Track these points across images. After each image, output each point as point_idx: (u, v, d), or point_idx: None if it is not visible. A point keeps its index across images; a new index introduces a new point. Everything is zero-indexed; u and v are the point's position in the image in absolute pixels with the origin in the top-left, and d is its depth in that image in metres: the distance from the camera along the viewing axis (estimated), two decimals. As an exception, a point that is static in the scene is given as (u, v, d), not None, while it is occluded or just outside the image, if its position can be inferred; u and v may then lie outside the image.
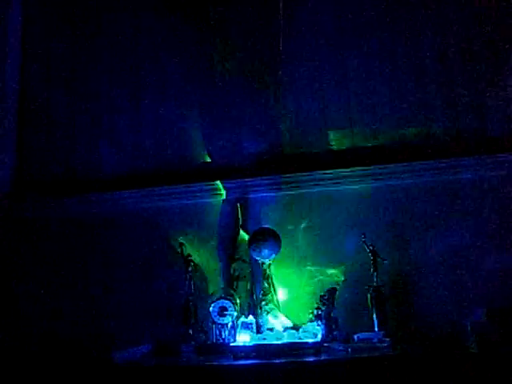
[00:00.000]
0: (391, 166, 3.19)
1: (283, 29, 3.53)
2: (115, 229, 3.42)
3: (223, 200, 3.35)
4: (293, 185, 3.27)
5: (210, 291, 3.16)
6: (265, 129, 3.44)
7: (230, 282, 3.17)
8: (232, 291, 3.08)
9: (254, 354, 2.63)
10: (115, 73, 3.69)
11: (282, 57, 3.49)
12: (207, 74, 3.57)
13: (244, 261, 3.18)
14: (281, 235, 3.07)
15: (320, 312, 2.88)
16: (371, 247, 2.97)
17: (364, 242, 2.99)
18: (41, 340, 3.26)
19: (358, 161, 3.24)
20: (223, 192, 3.34)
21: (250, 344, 2.69)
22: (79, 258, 3.40)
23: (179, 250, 3.17)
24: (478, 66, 3.29)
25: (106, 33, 3.75)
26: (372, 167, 3.20)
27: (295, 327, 2.87)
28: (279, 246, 3.06)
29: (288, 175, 3.28)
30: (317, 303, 2.92)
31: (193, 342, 2.95)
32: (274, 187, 3.29)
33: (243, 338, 2.77)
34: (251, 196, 3.32)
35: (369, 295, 2.92)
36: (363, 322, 2.92)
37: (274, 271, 3.11)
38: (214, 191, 3.35)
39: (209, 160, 3.47)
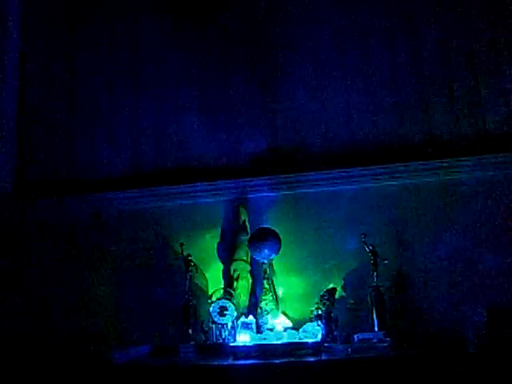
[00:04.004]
0: (391, 166, 3.19)
1: (283, 29, 3.53)
2: (115, 229, 3.42)
3: (223, 200, 3.35)
4: (293, 185, 3.27)
5: (210, 291, 3.15)
6: (264, 129, 3.44)
7: (230, 282, 3.16)
8: (232, 291, 3.08)
9: (254, 353, 2.63)
10: (114, 73, 3.69)
11: (282, 57, 3.50)
12: (207, 73, 3.57)
13: (244, 261, 3.18)
14: (281, 235, 3.07)
15: (320, 312, 2.88)
16: (371, 247, 2.97)
17: (364, 242, 2.99)
18: (40, 340, 3.26)
19: (357, 161, 3.24)
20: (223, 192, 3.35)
21: (250, 344, 2.69)
22: (79, 257, 3.40)
23: (179, 250, 3.17)
24: (478, 66, 3.29)
25: (105, 33, 3.75)
26: (372, 167, 3.20)
27: (295, 327, 2.88)
28: (279, 246, 3.05)
29: (288, 175, 3.28)
30: (317, 303, 2.92)
31: (193, 342, 2.95)
32: (274, 187, 3.29)
33: (243, 338, 2.77)
34: (251, 196, 3.32)
35: (369, 295, 2.92)
36: (363, 321, 2.93)
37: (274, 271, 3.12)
38: (214, 191, 3.35)
39: (209, 160, 3.47)
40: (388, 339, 2.71)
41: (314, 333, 2.75)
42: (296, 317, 3.06)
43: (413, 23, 3.40)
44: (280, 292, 3.12)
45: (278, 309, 3.01)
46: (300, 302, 3.12)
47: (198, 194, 3.36)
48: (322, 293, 2.94)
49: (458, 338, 2.70)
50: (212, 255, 3.28)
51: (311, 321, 2.88)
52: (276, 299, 3.04)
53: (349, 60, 3.44)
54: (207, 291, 3.18)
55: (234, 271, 3.16)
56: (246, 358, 2.61)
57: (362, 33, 3.45)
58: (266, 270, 3.06)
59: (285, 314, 3.05)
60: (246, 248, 3.12)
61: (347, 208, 3.20)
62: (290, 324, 2.94)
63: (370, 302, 2.91)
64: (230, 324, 2.94)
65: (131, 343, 2.95)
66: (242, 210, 3.28)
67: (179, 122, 3.55)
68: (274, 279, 3.11)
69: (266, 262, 3.06)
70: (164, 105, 3.59)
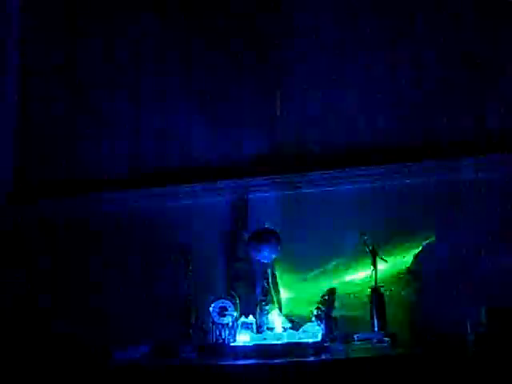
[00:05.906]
0: (391, 166, 3.19)
1: (285, 29, 3.53)
2: (115, 229, 3.42)
3: (223, 200, 3.35)
4: (293, 185, 3.27)
5: (210, 291, 3.15)
6: (265, 129, 3.44)
7: (230, 282, 3.16)
8: (232, 291, 3.07)
9: (254, 353, 2.63)
10: (115, 72, 3.69)
11: (283, 57, 3.50)
12: (207, 73, 3.57)
13: (244, 261, 3.17)
14: (281, 235, 3.07)
15: (320, 312, 2.88)
16: (371, 247, 2.97)
17: (364, 242, 2.99)
18: (40, 340, 3.26)
19: (357, 161, 3.24)
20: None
21: (250, 344, 2.69)
22: (79, 257, 3.40)
23: (179, 250, 3.17)
24: (478, 66, 3.29)
25: (106, 32, 3.75)
26: (372, 167, 3.20)
27: (295, 327, 2.87)
28: (279, 247, 3.05)
29: (288, 175, 3.28)
30: (317, 303, 2.92)
31: (193, 342, 2.94)
32: (274, 187, 3.29)
33: (243, 338, 2.77)
34: (251, 196, 3.32)
35: (369, 295, 2.92)
36: (363, 321, 2.93)
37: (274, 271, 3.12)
38: (214, 191, 3.35)
39: (209, 160, 3.47)
40: (388, 339, 2.72)
41: (313, 333, 2.75)
42: (295, 317, 3.06)
43: (412, 22, 3.39)
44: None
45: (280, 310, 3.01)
46: (300, 302, 3.12)
47: (198, 194, 3.37)
48: (321, 293, 2.94)
49: (458, 337, 2.69)
50: (212, 255, 3.28)
51: (311, 321, 2.88)
52: (277, 302, 3.03)
53: (349, 60, 3.44)
54: (207, 291, 3.17)
55: (234, 271, 3.16)
56: (246, 357, 2.61)
57: (362, 33, 3.45)
58: (266, 270, 3.06)
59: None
60: (246, 248, 3.12)
61: (347, 208, 3.20)
62: (289, 324, 2.94)
63: (370, 302, 2.91)
64: (230, 324, 2.94)
65: (131, 343, 2.94)
66: (242, 210, 3.28)
67: (180, 122, 3.55)
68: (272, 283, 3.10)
69: (266, 262, 3.06)
70: (164, 104, 3.59)
